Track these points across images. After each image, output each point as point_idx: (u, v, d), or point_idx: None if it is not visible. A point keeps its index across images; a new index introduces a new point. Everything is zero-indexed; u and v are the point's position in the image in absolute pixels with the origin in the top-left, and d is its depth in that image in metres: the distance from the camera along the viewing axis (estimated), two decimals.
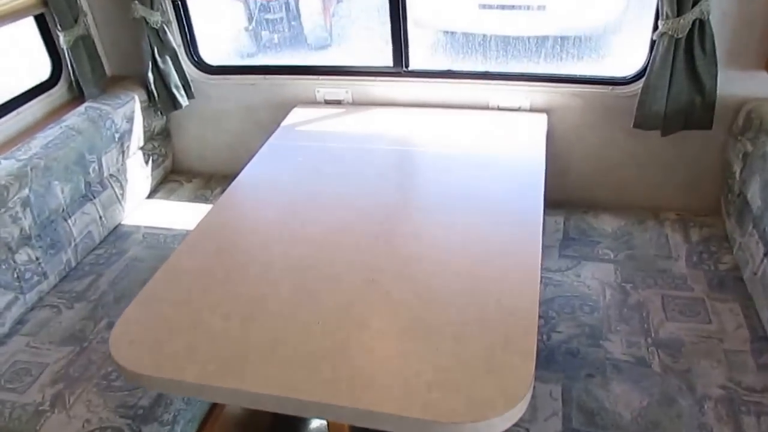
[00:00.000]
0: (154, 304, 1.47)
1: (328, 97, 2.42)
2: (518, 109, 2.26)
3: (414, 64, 2.34)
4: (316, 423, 2.22)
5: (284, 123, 2.29)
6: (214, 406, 1.78)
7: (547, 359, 1.69)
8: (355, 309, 1.41)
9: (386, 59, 2.34)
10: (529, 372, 1.21)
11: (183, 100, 2.46)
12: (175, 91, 2.42)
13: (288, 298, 1.45)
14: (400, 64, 2.31)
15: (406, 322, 1.36)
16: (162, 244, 2.22)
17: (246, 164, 2.02)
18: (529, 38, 5.71)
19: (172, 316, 1.42)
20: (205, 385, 1.25)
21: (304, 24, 6.82)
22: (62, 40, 2.22)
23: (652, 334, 1.74)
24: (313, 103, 2.43)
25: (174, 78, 2.41)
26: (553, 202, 2.12)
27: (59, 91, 2.34)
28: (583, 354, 1.70)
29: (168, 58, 2.37)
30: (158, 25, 2.30)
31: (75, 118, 2.19)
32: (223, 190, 2.47)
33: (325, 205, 1.79)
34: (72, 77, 2.34)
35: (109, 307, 1.95)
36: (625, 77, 2.17)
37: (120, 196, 2.34)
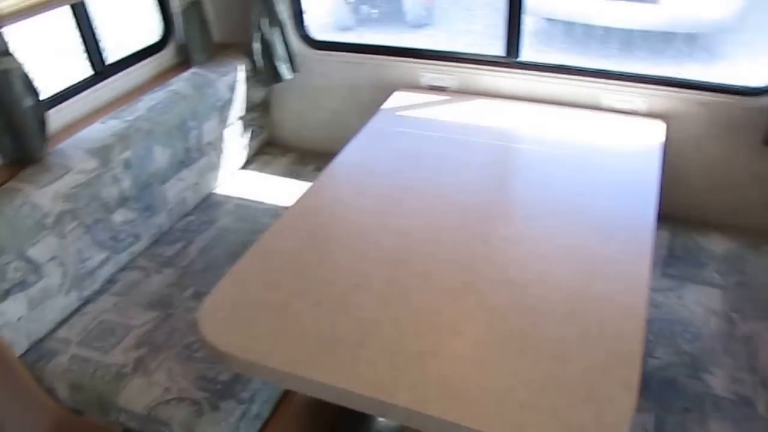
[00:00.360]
0: (245, 282, 1.45)
1: (432, 83, 2.34)
2: (633, 113, 2.12)
3: (524, 55, 2.23)
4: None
5: (385, 106, 2.23)
6: (288, 390, 1.77)
7: (641, 385, 1.58)
8: (448, 312, 1.35)
9: (485, 45, 2.24)
10: (630, 405, 1.13)
11: (286, 73, 2.44)
12: (279, 63, 2.40)
13: (379, 292, 1.40)
14: (512, 54, 2.21)
15: (501, 333, 1.29)
16: (252, 217, 2.22)
17: (344, 146, 1.98)
18: (641, 33, 5.44)
19: (261, 298, 1.40)
20: (290, 374, 1.22)
21: (405, 1, 6.75)
22: (175, 3, 2.24)
23: (760, 373, 1.60)
24: (416, 87, 2.36)
25: (279, 50, 2.38)
26: (658, 215, 1.99)
27: (167, 55, 2.36)
28: (681, 385, 1.59)
29: (275, 30, 2.34)
30: None
31: (181, 83, 2.21)
32: (317, 168, 2.47)
33: (422, 196, 1.73)
34: (181, 42, 2.36)
35: (196, 275, 1.96)
36: (756, 87, 2.00)
37: (215, 165, 2.35)
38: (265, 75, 2.44)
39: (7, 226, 1.60)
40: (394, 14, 6.91)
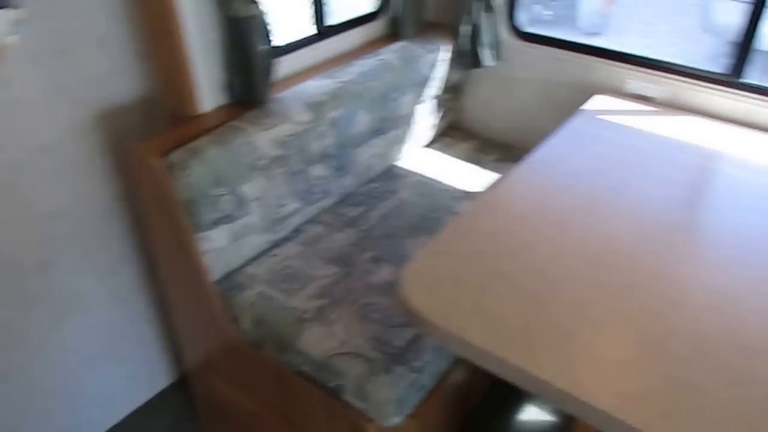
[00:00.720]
0: (445, 256, 1.47)
1: (638, 91, 2.24)
2: None
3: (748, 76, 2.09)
4: (530, 408, 2.19)
5: (585, 107, 2.17)
6: (452, 365, 1.78)
7: None
8: (653, 328, 1.29)
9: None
10: None
11: (488, 59, 2.43)
12: (482, 49, 2.40)
13: (580, 292, 1.37)
14: (735, 74, 2.07)
15: (711, 360, 1.22)
16: (431, 195, 2.23)
17: (529, 140, 1.96)
18: None
19: (461, 274, 1.41)
20: (490, 353, 1.22)
21: (582, 6, 6.55)
22: None
23: None
24: (618, 93, 2.28)
25: (486, 36, 2.38)
26: None
27: (377, 26, 2.42)
28: None
29: (486, 15, 2.34)
30: None
31: (390, 54, 2.26)
32: (498, 158, 2.46)
33: (625, 205, 1.67)
34: (393, 15, 2.41)
35: (375, 240, 2.00)
36: None
37: (403, 139, 2.39)
38: (466, 59, 2.45)
39: (228, 160, 1.70)
40: (566, 18, 6.73)
